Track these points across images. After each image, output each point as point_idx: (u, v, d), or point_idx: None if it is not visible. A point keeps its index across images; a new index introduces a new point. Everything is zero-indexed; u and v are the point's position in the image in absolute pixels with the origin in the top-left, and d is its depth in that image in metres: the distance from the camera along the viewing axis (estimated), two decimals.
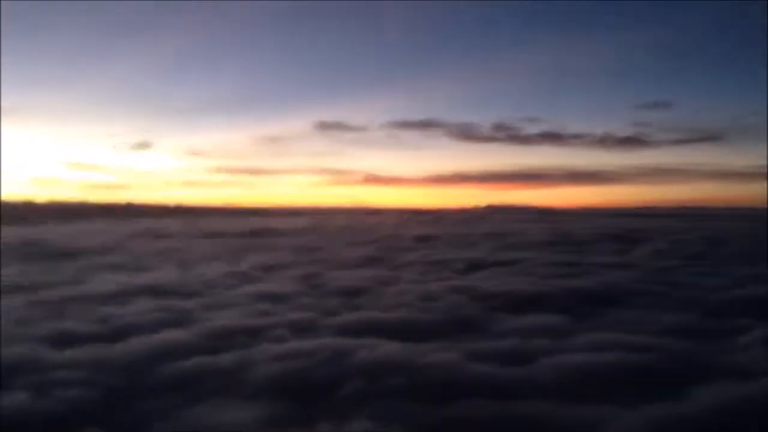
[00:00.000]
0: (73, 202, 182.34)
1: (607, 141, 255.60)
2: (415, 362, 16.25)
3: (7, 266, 43.90)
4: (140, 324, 22.57)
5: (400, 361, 16.29)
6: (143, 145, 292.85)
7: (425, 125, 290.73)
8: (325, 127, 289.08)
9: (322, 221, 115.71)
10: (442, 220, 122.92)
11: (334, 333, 20.59)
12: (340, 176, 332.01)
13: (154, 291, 30.98)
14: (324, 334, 20.62)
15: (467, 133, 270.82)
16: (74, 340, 19.82)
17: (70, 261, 48.76)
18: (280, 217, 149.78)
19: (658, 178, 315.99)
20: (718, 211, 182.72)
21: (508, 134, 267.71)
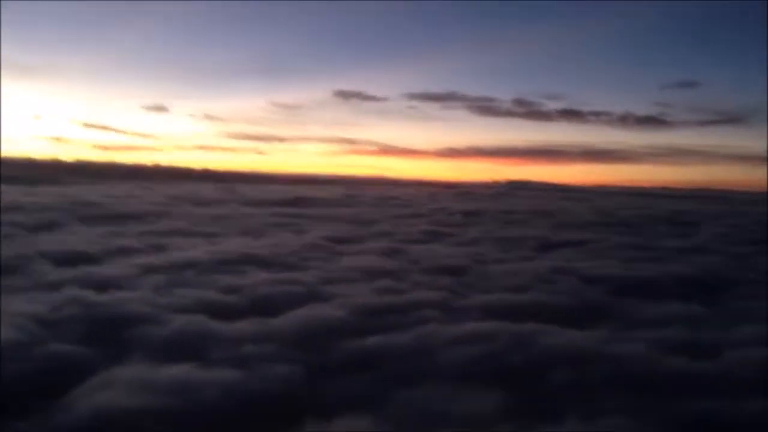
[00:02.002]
0: (99, 162, 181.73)
1: (627, 120, 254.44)
2: (605, 352, 16.18)
3: (77, 229, 44.07)
4: (277, 297, 22.57)
5: (590, 350, 16.22)
6: (159, 108, 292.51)
7: (445, 98, 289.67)
8: (344, 96, 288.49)
9: (352, 191, 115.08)
10: (472, 195, 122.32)
11: (482, 315, 20.40)
12: (355, 146, 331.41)
13: (252, 261, 30.90)
14: (472, 315, 20.47)
15: (486, 108, 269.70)
16: (228, 312, 19.83)
17: (131, 225, 48.76)
18: (302, 184, 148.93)
19: (677, 159, 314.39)
20: (739, 195, 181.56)
21: (527, 110, 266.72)
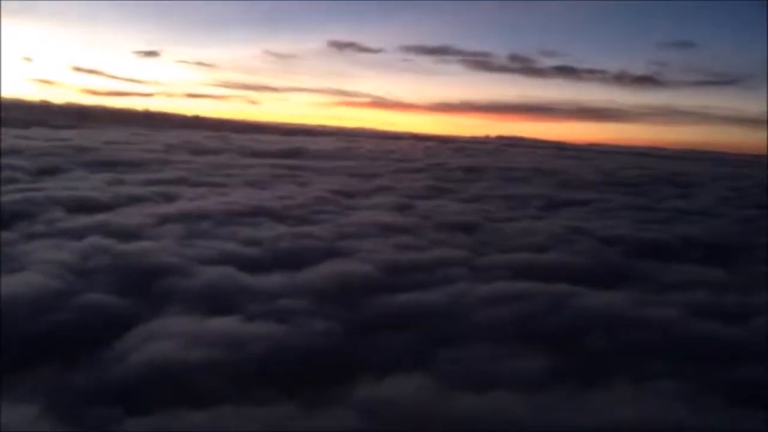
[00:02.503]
0: (88, 105, 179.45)
1: (622, 78, 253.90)
2: (640, 315, 16.25)
3: (80, 175, 43.54)
4: (298, 250, 22.52)
5: (625, 313, 16.30)
6: (151, 54, 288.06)
7: (440, 52, 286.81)
8: (338, 46, 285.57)
9: (347, 144, 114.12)
10: (467, 150, 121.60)
11: (507, 274, 20.34)
12: (348, 98, 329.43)
13: (264, 213, 30.64)
14: (498, 274, 20.39)
15: (481, 62, 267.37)
16: (254, 265, 19.72)
17: (133, 172, 48.38)
18: (295, 135, 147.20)
19: (671, 119, 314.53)
20: (735, 157, 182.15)
21: (522, 66, 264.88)
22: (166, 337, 12.69)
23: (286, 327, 14.18)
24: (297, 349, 13.13)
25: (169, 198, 35.21)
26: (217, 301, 15.78)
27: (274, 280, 18.16)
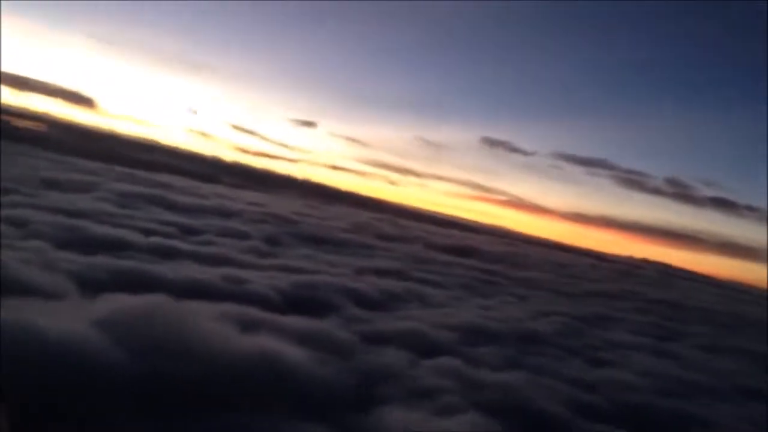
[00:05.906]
0: (254, 167, 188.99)
1: None
2: None
3: (307, 252, 43.82)
4: (640, 408, 20.77)
5: None
6: (307, 123, 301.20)
7: (594, 164, 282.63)
8: (490, 143, 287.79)
9: (514, 249, 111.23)
10: (635, 276, 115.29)
11: None
12: (485, 193, 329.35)
13: (540, 340, 29.05)
14: None
15: (634, 181, 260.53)
16: (627, 425, 17.85)
17: (345, 254, 48.92)
18: (447, 227, 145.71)
19: None
20: None
21: (677, 191, 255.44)
22: None
23: None
24: None
25: (421, 298, 34.50)
26: None
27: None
